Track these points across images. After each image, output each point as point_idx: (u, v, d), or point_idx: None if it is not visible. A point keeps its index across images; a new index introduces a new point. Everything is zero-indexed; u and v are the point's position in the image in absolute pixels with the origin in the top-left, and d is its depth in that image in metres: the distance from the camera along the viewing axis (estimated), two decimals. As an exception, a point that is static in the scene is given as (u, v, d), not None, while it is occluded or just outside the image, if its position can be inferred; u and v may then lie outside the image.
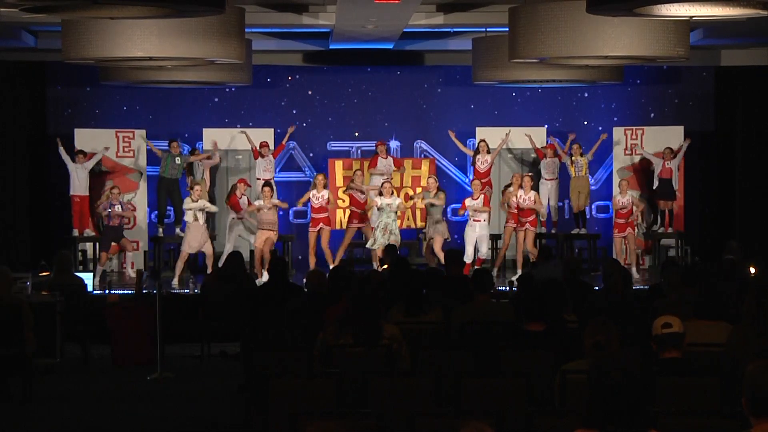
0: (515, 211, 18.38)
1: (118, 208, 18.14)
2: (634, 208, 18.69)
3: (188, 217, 17.69)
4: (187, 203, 17.70)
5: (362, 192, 18.57)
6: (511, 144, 20.15)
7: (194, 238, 17.58)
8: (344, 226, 19.02)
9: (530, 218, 18.35)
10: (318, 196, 18.19)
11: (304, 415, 6.44)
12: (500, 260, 18.66)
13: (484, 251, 18.37)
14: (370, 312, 8.28)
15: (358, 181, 18.62)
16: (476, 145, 19.75)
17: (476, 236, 18.12)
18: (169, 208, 19.56)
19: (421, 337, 9.03)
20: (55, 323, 12.87)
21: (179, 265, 17.74)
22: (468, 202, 18.25)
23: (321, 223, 18.23)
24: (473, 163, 19.70)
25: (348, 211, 19.02)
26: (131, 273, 18.04)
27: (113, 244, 18.45)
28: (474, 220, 18.15)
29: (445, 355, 8.38)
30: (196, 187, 18.06)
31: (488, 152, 19.45)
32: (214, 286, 13.91)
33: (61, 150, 18.95)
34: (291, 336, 9.89)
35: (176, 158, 19.20)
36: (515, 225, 18.37)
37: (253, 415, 8.09)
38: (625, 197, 18.60)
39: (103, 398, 11.89)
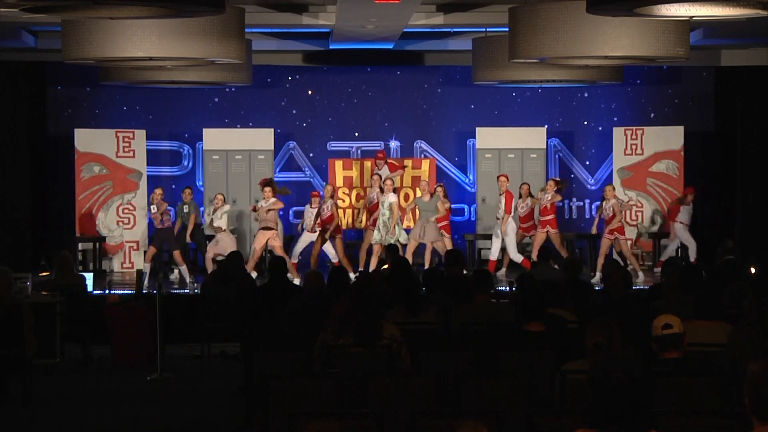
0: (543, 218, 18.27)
1: (154, 208, 17.73)
2: (617, 215, 17.70)
3: (222, 224, 17.77)
4: (217, 217, 17.79)
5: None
6: (510, 144, 20.14)
7: (226, 248, 17.25)
8: (349, 227, 18.93)
9: (549, 217, 18.28)
10: (327, 206, 18.03)
11: (304, 415, 6.44)
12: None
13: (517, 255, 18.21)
14: (370, 312, 8.28)
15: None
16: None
17: (515, 233, 18.09)
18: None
19: (421, 337, 9.01)
20: (55, 323, 12.86)
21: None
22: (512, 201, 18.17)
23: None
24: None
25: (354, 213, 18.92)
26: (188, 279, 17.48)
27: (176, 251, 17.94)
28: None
29: (445, 355, 8.37)
30: (218, 196, 18.04)
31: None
32: (214, 286, 13.90)
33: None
34: (291, 336, 9.88)
35: (184, 206, 18.51)
36: (544, 229, 18.28)
37: (253, 415, 8.08)
38: (608, 203, 17.79)
39: (103, 398, 11.88)
